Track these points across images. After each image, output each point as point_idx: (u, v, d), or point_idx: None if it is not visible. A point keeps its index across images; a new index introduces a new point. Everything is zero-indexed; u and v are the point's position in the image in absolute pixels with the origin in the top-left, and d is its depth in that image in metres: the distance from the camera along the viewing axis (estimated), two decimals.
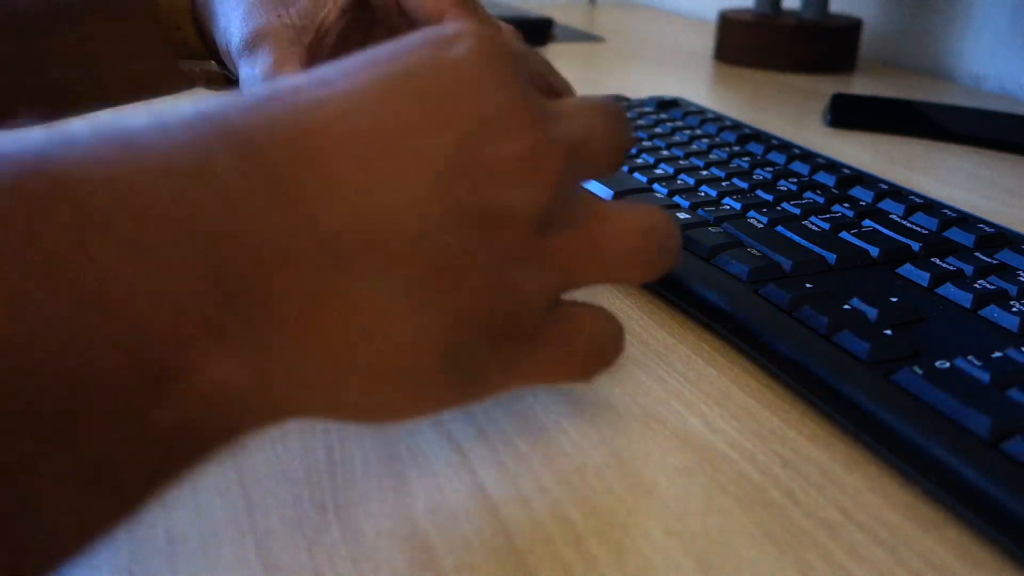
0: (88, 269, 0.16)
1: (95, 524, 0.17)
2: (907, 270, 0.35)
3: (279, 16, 0.38)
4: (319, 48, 0.39)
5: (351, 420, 0.22)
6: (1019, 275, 0.34)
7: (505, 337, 0.23)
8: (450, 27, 0.23)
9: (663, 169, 0.46)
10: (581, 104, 0.25)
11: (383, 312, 0.20)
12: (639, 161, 0.48)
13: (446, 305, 0.21)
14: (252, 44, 0.38)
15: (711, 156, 0.49)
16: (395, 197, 0.20)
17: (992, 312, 0.31)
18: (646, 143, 0.51)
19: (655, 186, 0.44)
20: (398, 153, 0.20)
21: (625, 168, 0.47)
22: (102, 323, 0.16)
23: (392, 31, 0.43)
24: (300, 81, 0.21)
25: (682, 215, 0.40)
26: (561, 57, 0.89)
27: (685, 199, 0.42)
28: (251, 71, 0.38)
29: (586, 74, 0.82)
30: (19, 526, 0.16)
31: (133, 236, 0.16)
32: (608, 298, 0.37)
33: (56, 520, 0.16)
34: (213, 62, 0.44)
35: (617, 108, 0.26)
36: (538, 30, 0.89)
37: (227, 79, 0.45)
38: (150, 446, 0.17)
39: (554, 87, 0.39)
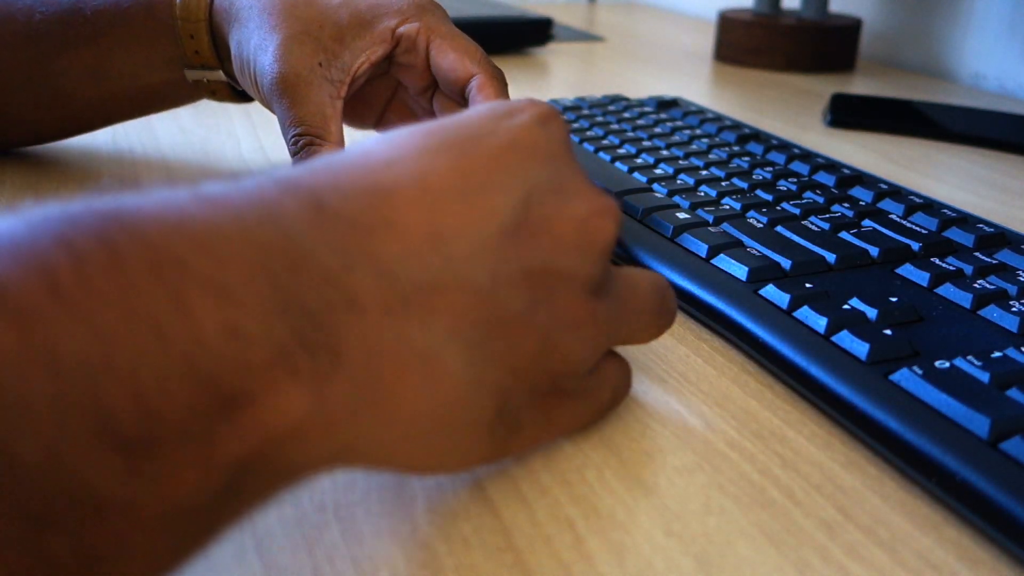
0: (164, 301, 0.16)
1: (161, 565, 0.17)
2: (907, 270, 0.35)
3: (320, 64, 0.39)
4: (347, 97, 0.41)
5: (400, 470, 0.23)
6: (1019, 275, 0.34)
7: (548, 395, 0.24)
8: (511, 100, 0.25)
9: (663, 169, 0.46)
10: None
11: (444, 362, 0.21)
12: (639, 161, 0.48)
13: (504, 361, 0.22)
14: (293, 87, 0.39)
15: (711, 156, 0.49)
16: (462, 249, 0.21)
17: (992, 312, 0.31)
18: (646, 143, 0.51)
19: (655, 186, 0.44)
20: (466, 208, 0.21)
21: (625, 168, 0.47)
22: (176, 351, 0.16)
23: (402, 93, 0.45)
24: (369, 145, 0.22)
25: (682, 215, 0.40)
26: (561, 57, 0.89)
27: (685, 199, 0.42)
28: (294, 113, 0.39)
29: (586, 74, 0.82)
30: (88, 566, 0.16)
31: (207, 272, 0.17)
32: None
33: (125, 561, 0.16)
34: (221, 71, 0.44)
35: None
36: (538, 30, 0.89)
37: (232, 90, 0.45)
38: (215, 479, 0.17)
39: None
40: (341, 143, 0.40)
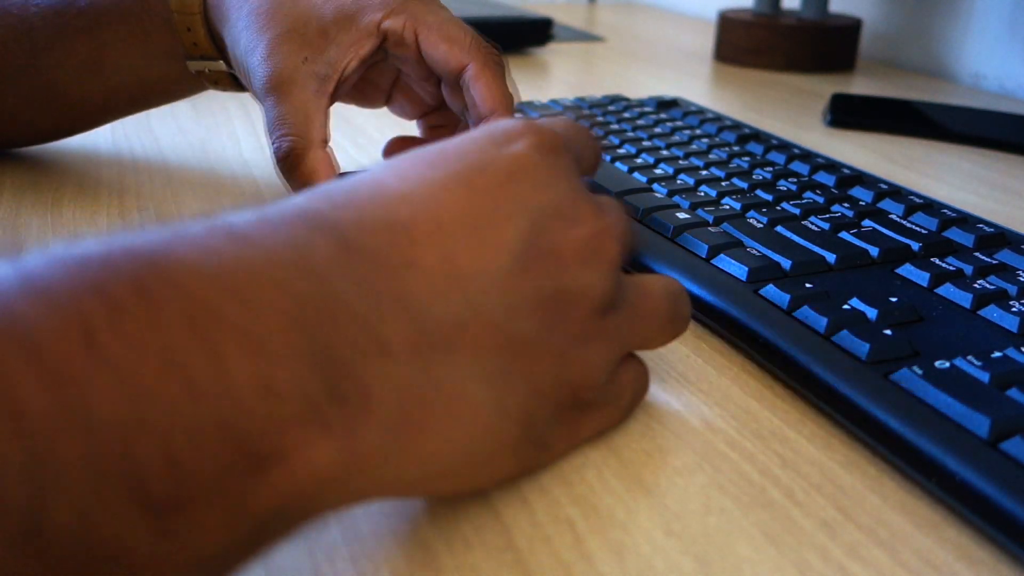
0: (198, 355, 0.16)
1: None
2: (907, 270, 0.35)
3: (305, 60, 0.39)
4: (337, 93, 0.41)
5: (425, 495, 0.24)
6: (1019, 275, 0.34)
7: (571, 409, 0.25)
8: (509, 124, 0.25)
9: (663, 169, 0.46)
10: (605, 197, 0.27)
11: (469, 396, 0.21)
12: (639, 161, 0.48)
13: (525, 385, 0.23)
14: (279, 86, 0.39)
15: (711, 156, 0.49)
16: (478, 284, 0.21)
17: (992, 312, 0.31)
18: (646, 143, 0.51)
19: (655, 186, 0.44)
20: (478, 243, 0.22)
21: (625, 168, 0.47)
22: (209, 409, 0.16)
23: (406, 78, 0.45)
24: (380, 175, 0.23)
25: (682, 215, 0.40)
26: (561, 57, 0.89)
27: (685, 199, 0.42)
28: (277, 112, 0.39)
29: (586, 74, 0.82)
30: None
31: (241, 325, 0.17)
32: None
33: None
34: (222, 62, 0.44)
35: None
36: (538, 30, 0.89)
37: (234, 79, 0.45)
38: (242, 530, 0.17)
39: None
40: (323, 143, 0.39)
